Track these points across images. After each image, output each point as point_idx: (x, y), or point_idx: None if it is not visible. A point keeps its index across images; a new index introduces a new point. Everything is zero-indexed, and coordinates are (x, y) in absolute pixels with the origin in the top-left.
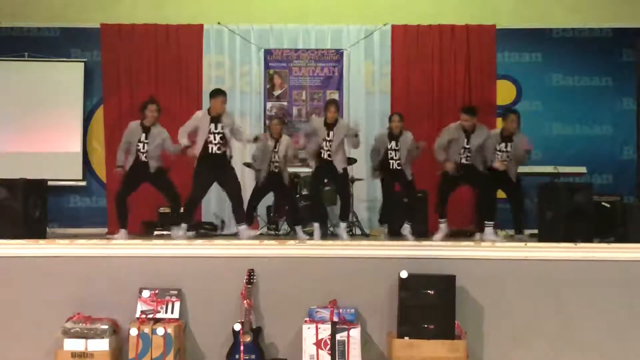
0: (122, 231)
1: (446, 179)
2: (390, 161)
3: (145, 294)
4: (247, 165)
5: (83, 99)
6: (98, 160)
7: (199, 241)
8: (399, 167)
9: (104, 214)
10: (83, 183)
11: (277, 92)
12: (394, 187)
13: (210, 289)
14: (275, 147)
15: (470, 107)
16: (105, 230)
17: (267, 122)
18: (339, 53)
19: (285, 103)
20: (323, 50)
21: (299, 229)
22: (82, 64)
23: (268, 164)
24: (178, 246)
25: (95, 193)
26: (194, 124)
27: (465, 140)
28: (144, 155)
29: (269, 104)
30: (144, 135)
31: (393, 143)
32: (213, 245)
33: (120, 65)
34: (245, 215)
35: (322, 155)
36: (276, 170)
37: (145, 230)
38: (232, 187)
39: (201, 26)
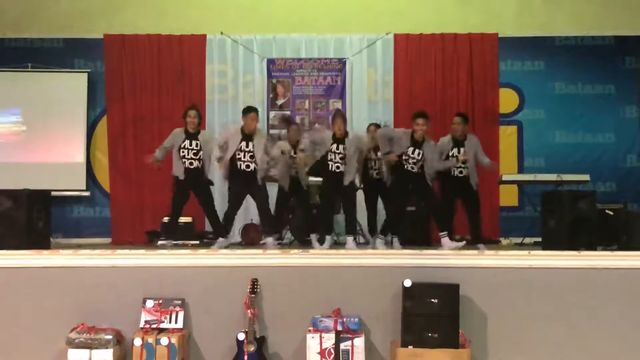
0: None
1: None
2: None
3: (149, 304)
4: (269, 179)
5: (87, 109)
6: (102, 171)
7: (203, 251)
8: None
9: (108, 224)
10: (87, 193)
11: (280, 102)
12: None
13: (214, 299)
14: (294, 153)
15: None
16: (109, 240)
17: (286, 128)
18: (342, 62)
19: (288, 112)
20: (326, 59)
21: (313, 237)
22: (86, 74)
23: (288, 171)
24: (181, 256)
25: (98, 203)
26: (225, 138)
27: (413, 149)
28: (190, 161)
29: (272, 113)
30: (187, 141)
31: (413, 150)
32: (216, 255)
33: (124, 76)
34: (273, 227)
35: (330, 167)
36: (296, 175)
37: (149, 240)
38: (261, 200)
39: (204, 36)
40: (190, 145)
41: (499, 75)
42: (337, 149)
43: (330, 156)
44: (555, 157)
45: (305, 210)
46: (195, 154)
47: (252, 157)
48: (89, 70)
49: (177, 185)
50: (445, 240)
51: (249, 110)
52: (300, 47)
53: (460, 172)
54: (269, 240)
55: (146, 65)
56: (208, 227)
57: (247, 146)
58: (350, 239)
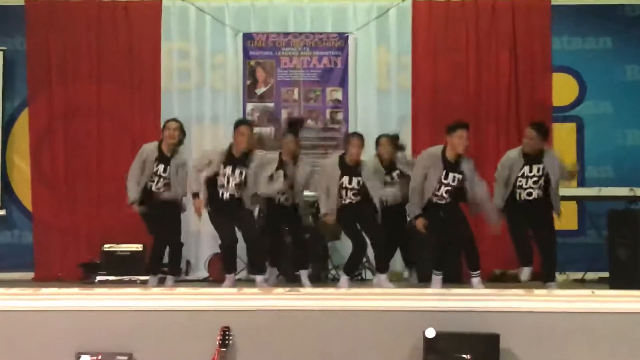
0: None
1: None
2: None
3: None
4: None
5: (1, 100)
6: (21, 182)
7: (157, 289)
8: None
9: (30, 254)
10: (1, 212)
11: (260, 90)
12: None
13: (172, 354)
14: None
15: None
16: (30, 275)
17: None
18: (343, 38)
19: (271, 104)
20: (322, 34)
21: (304, 273)
22: (0, 53)
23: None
24: (128, 297)
25: (17, 225)
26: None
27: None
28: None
29: (249, 106)
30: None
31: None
32: (175, 295)
33: (51, 55)
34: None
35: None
36: (286, 203)
37: (84, 275)
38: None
39: (159, 2)
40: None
41: (551, 56)
42: (350, 183)
43: (341, 192)
44: (627, 164)
45: (295, 237)
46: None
47: (243, 181)
48: (4, 48)
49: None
50: (477, 281)
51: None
52: (288, 18)
53: (529, 195)
54: (259, 278)
55: (82, 42)
56: (166, 258)
57: (233, 172)
58: (383, 276)
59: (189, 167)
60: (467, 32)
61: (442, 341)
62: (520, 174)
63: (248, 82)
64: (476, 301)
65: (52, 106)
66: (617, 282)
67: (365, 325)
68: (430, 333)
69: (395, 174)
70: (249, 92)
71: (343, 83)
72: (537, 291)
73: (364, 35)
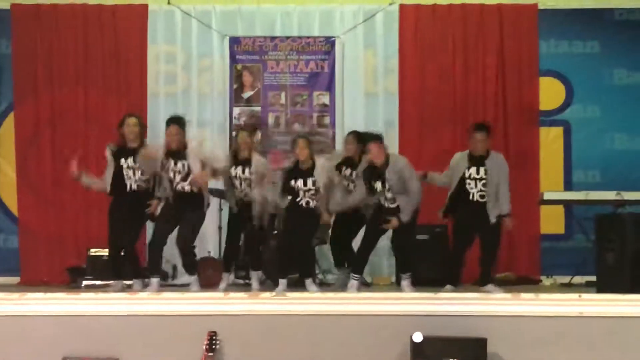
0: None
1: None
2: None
3: None
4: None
5: None
6: (7, 187)
7: (143, 294)
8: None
9: (15, 258)
10: None
11: (247, 94)
12: None
13: (159, 358)
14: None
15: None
16: (16, 279)
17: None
18: (330, 42)
19: (257, 108)
20: (309, 38)
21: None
22: None
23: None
24: (114, 301)
25: (3, 230)
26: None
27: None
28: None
29: (236, 110)
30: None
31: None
32: (161, 300)
33: (38, 59)
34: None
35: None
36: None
37: (71, 280)
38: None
39: (145, 6)
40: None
41: (538, 60)
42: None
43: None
44: (614, 168)
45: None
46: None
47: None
48: None
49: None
50: (491, 287)
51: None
52: (275, 22)
53: (482, 197)
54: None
55: (68, 46)
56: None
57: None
58: (354, 281)
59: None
60: (454, 36)
61: (430, 345)
62: (467, 175)
63: (235, 86)
64: (464, 305)
65: (38, 110)
66: (604, 286)
67: (352, 329)
68: (418, 337)
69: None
70: (236, 96)
71: (330, 87)
72: (524, 295)
73: (351, 39)
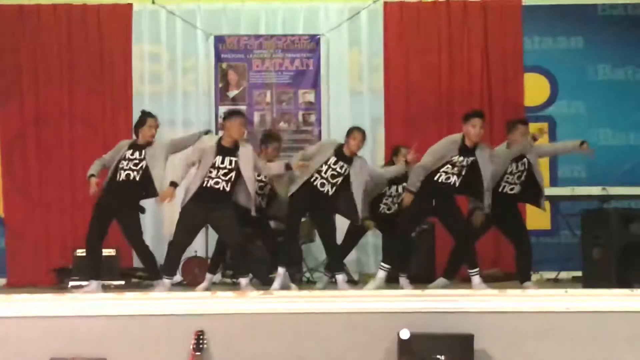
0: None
1: None
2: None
3: None
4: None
5: None
6: None
7: (130, 294)
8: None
9: (2, 259)
10: None
11: (232, 93)
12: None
13: (146, 359)
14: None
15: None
16: (3, 281)
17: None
18: (315, 40)
19: (243, 107)
20: (293, 36)
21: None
22: None
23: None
24: (101, 302)
25: None
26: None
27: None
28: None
29: (221, 109)
30: (130, 151)
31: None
32: (148, 299)
33: (22, 60)
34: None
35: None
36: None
37: (57, 281)
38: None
39: (129, 6)
40: (133, 155)
41: (523, 56)
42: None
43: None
44: (599, 163)
45: (268, 237)
46: (135, 165)
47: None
48: None
49: (97, 202)
50: (477, 279)
51: (233, 114)
52: (259, 20)
53: (512, 189)
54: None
55: (52, 46)
56: (137, 263)
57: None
58: (340, 277)
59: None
60: (439, 32)
61: (417, 342)
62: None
63: (220, 85)
64: (450, 302)
65: (23, 111)
66: (590, 281)
67: (339, 327)
68: (405, 334)
69: None
70: (221, 95)
71: (315, 85)
72: (510, 291)
73: (335, 37)
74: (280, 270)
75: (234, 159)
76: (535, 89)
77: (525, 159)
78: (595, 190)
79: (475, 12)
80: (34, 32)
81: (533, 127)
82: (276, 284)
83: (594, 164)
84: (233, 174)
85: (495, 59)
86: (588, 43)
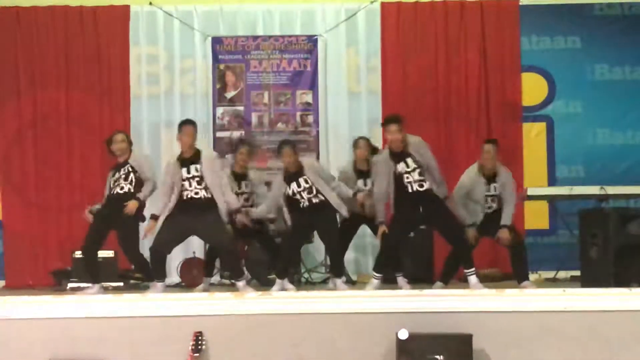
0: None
1: None
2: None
3: None
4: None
5: None
6: None
7: (128, 296)
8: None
9: (0, 261)
10: None
11: (230, 94)
12: None
13: None
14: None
15: None
16: (1, 283)
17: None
18: (312, 40)
19: (241, 108)
20: (291, 37)
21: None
22: None
23: None
24: (100, 303)
25: None
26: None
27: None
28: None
29: (219, 110)
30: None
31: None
32: (147, 301)
33: (19, 62)
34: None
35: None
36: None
37: (56, 283)
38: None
39: (127, 7)
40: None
41: (520, 55)
42: (299, 186)
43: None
44: (597, 163)
45: (266, 238)
46: (125, 178)
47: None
48: None
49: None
50: (474, 279)
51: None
52: (257, 21)
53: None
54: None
55: (49, 48)
56: None
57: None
58: (339, 281)
59: None
60: (436, 33)
61: (415, 342)
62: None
63: (218, 86)
64: (449, 302)
65: (20, 113)
66: (588, 280)
67: (338, 328)
68: (403, 334)
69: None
70: (219, 96)
71: (313, 86)
72: (508, 291)
73: (333, 38)
74: (279, 280)
75: (198, 165)
76: (532, 89)
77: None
78: (593, 190)
79: (472, 12)
80: (31, 34)
81: (532, 126)
82: (275, 288)
83: (592, 163)
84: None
85: (492, 59)
86: (585, 42)
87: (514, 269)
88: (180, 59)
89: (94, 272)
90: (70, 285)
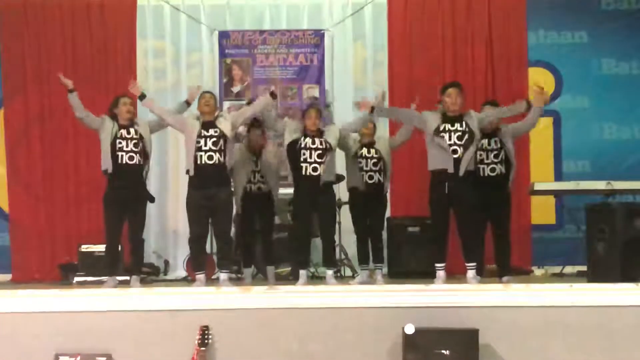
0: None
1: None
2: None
3: None
4: None
5: None
6: None
7: (135, 289)
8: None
9: (7, 255)
10: None
11: (236, 88)
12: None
13: (151, 354)
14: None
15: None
16: (8, 276)
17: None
18: (319, 35)
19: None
20: (297, 31)
21: (270, 269)
22: None
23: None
24: (106, 297)
25: None
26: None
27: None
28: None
29: (226, 104)
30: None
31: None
32: (154, 295)
33: (26, 56)
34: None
35: (305, 171)
36: (258, 190)
37: (62, 276)
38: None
39: (134, 1)
40: (129, 133)
41: (527, 50)
42: (314, 143)
43: (304, 154)
44: (604, 158)
45: (270, 233)
46: (135, 145)
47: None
48: None
49: (110, 195)
50: (471, 273)
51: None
52: (264, 16)
53: (493, 170)
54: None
55: (56, 42)
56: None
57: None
58: (330, 272)
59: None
60: (443, 27)
61: (422, 337)
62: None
63: (224, 80)
64: (455, 297)
65: (27, 107)
66: (595, 275)
67: (344, 322)
68: (410, 329)
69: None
70: (226, 91)
71: (320, 80)
72: (515, 286)
73: (340, 32)
74: (302, 271)
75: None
76: (539, 84)
77: (497, 137)
78: (600, 185)
79: (479, 7)
80: (37, 28)
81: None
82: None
83: (599, 158)
84: (221, 140)
85: (499, 54)
86: (592, 37)
87: (497, 262)
88: (187, 53)
89: (114, 264)
90: (76, 279)
